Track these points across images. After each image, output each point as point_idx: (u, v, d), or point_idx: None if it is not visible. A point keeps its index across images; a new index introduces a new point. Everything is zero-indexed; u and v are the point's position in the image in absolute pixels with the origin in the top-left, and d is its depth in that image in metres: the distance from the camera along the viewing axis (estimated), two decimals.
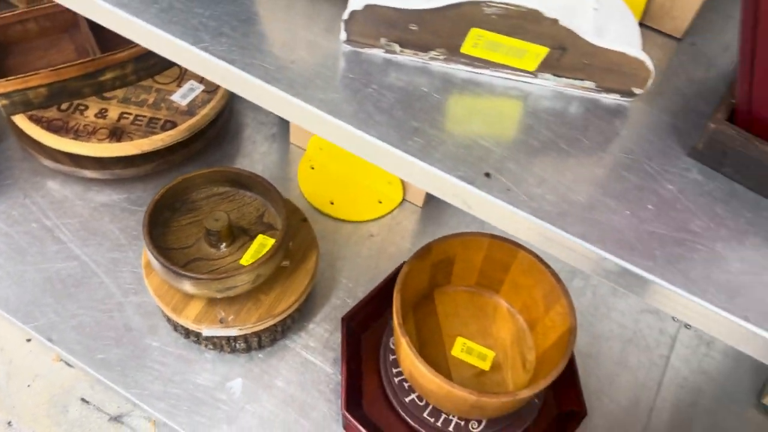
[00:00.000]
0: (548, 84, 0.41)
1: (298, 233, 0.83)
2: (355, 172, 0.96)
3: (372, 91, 0.39)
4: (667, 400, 0.82)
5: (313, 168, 0.98)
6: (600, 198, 0.37)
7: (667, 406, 0.81)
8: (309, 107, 0.38)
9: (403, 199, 0.97)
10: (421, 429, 0.73)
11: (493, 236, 0.75)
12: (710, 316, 0.34)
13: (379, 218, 0.95)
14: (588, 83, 0.40)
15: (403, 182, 0.95)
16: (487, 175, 0.36)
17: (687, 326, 0.89)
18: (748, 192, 0.37)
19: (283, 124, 1.02)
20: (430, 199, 0.97)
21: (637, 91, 0.40)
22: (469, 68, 0.41)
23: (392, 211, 0.96)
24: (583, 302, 0.90)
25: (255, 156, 0.99)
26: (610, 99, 0.41)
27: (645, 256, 0.35)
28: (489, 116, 0.39)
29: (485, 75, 0.41)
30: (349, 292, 0.87)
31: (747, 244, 0.36)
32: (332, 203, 0.95)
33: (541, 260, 0.74)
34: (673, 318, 0.89)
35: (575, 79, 0.40)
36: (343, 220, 0.94)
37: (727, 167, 0.37)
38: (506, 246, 0.75)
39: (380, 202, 0.96)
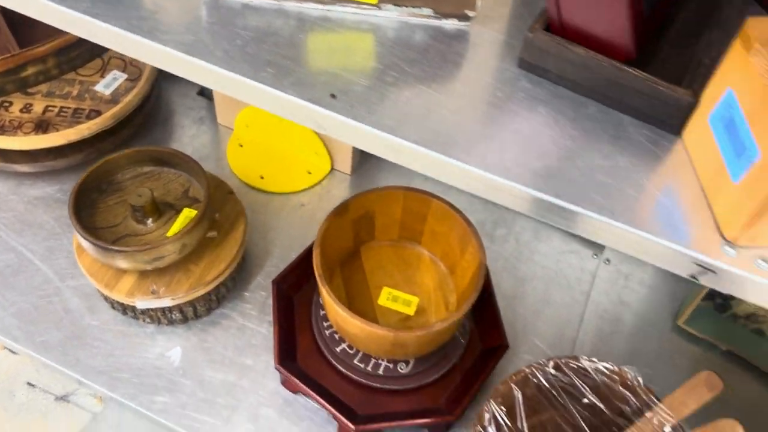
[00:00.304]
0: (392, 15, 0.44)
1: (225, 205, 0.86)
2: (283, 146, 1.00)
3: (229, 32, 0.43)
4: (589, 332, 0.86)
5: (241, 146, 1.01)
6: (436, 109, 0.41)
7: (589, 337, 0.86)
8: (168, 50, 0.41)
9: (332, 169, 1.00)
10: (353, 375, 0.77)
11: (406, 188, 0.79)
12: (522, 196, 0.38)
13: (309, 188, 0.98)
14: (426, 10, 0.44)
15: (330, 152, 0.99)
16: (333, 96, 0.40)
17: (606, 261, 0.93)
18: (570, 92, 0.41)
19: (211, 108, 1.05)
20: (358, 167, 1.01)
21: (470, 13, 0.44)
22: (320, 5, 0.44)
23: (322, 180, 0.99)
24: (507, 249, 0.94)
25: (184, 139, 1.02)
26: (450, 24, 0.45)
27: (465, 151, 0.39)
28: (338, 47, 0.43)
29: (336, 11, 0.45)
30: (282, 259, 0.90)
31: (567, 136, 0.40)
32: (262, 177, 0.98)
33: (452, 206, 0.78)
34: (594, 255, 0.94)
35: (414, 7, 0.44)
36: (274, 193, 0.97)
37: (550, 73, 0.41)
38: (420, 196, 0.79)
39: (309, 173, 0.99)
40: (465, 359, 0.80)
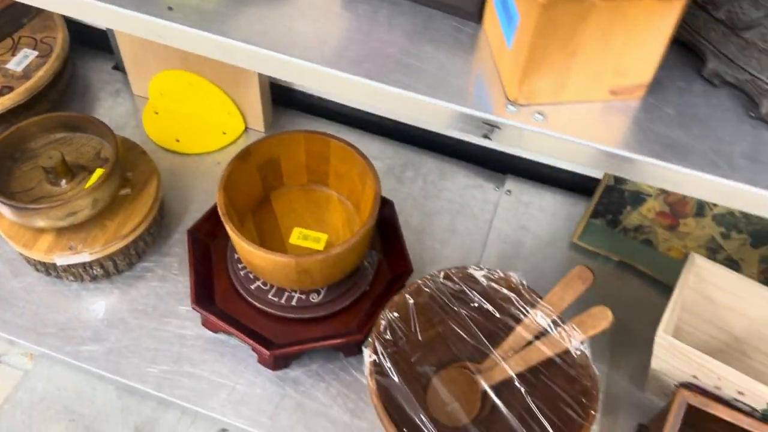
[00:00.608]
0: None
1: (138, 164, 0.90)
2: (196, 110, 1.04)
3: None
4: (492, 255, 0.93)
5: (156, 113, 1.05)
6: (266, 15, 0.46)
7: (492, 259, 0.92)
8: None
9: (247, 128, 1.05)
10: (268, 309, 0.82)
11: (306, 131, 0.84)
12: (339, 78, 0.43)
13: (225, 147, 1.03)
14: None
15: (242, 111, 1.03)
16: (170, 8, 0.45)
17: (507, 192, 1.00)
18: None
19: (127, 81, 1.08)
20: (273, 124, 1.05)
21: None
22: None
23: (237, 139, 1.04)
24: (416, 188, 1.00)
25: (101, 111, 1.05)
26: None
27: (288, 46, 0.44)
28: None
29: None
30: (200, 214, 0.94)
31: (382, 30, 0.46)
32: (178, 141, 1.02)
33: (350, 145, 0.83)
34: (495, 187, 1.00)
35: None
36: (191, 154, 1.02)
37: None
38: (319, 138, 0.84)
39: (224, 133, 1.03)
40: (374, 287, 0.85)
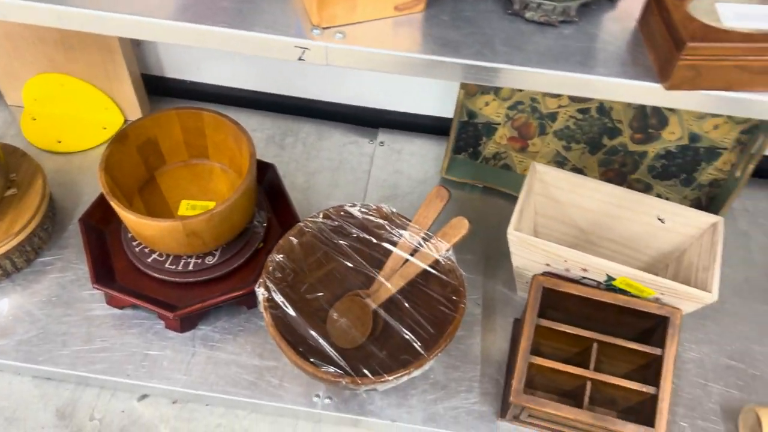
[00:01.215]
0: None
1: (21, 166, 0.93)
2: (73, 109, 1.07)
3: None
4: (373, 199, 1.02)
5: (34, 119, 1.07)
6: None
7: (373, 203, 1.01)
8: None
9: (126, 120, 1.09)
10: (168, 278, 0.87)
11: (177, 108, 0.90)
12: (169, 27, 0.50)
13: (108, 141, 1.06)
14: None
15: (118, 104, 1.07)
16: None
17: (381, 144, 1.09)
18: None
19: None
20: (150, 112, 1.10)
21: None
22: None
23: None
24: (297, 152, 1.07)
25: None
26: None
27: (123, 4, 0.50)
28: None
29: None
30: None
31: None
32: (60, 142, 1.05)
33: (221, 114, 0.89)
34: (370, 141, 1.09)
35: None
36: (75, 152, 1.05)
37: None
38: (191, 112, 0.90)
39: (105, 128, 1.07)
40: (267, 243, 0.92)
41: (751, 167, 0.88)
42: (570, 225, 0.91)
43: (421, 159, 1.07)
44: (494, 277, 0.94)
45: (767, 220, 1.02)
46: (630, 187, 0.94)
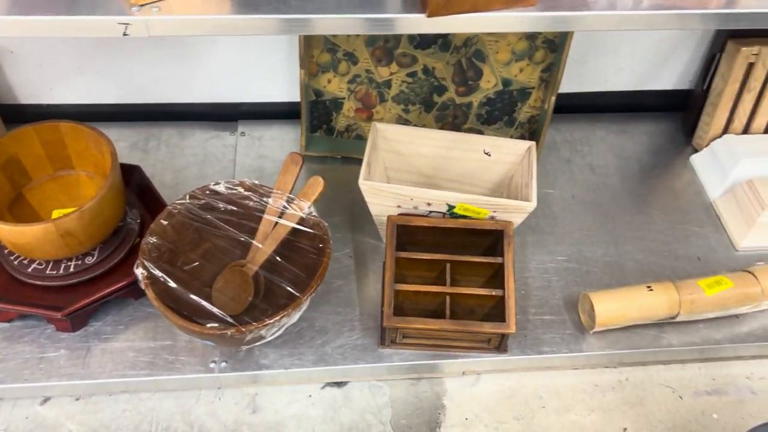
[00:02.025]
0: None
1: None
2: None
3: None
4: None
5: None
6: None
7: None
8: None
9: None
10: (50, 283, 0.90)
11: (34, 124, 0.94)
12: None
13: None
14: None
15: None
16: None
17: (242, 134, 1.17)
18: None
19: None
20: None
21: None
22: None
23: None
24: (161, 154, 1.13)
25: None
26: None
27: None
28: None
29: None
30: None
31: None
32: None
33: (77, 122, 0.94)
34: (231, 133, 1.17)
35: None
36: None
37: None
38: (48, 125, 0.94)
39: None
40: (143, 238, 0.98)
41: (553, 99, 1.04)
42: (416, 173, 1.03)
43: (281, 142, 1.16)
44: (361, 231, 1.05)
45: (583, 147, 1.19)
46: None
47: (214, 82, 1.15)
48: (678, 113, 1.24)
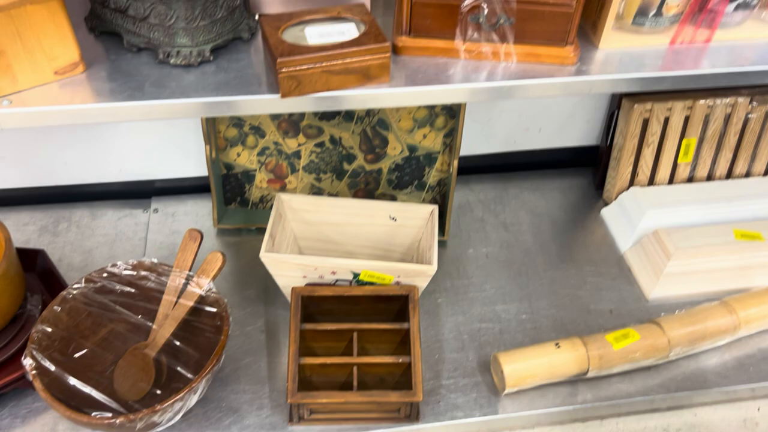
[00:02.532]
0: None
1: None
2: None
3: None
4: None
5: None
6: None
7: None
8: None
9: None
10: None
11: None
12: None
13: None
14: None
15: None
16: None
17: (155, 211, 1.16)
18: None
19: None
20: None
21: None
22: None
23: None
24: (71, 236, 1.11)
25: None
26: None
27: None
28: None
29: None
30: None
31: None
32: None
33: None
34: (144, 210, 1.16)
35: None
36: None
37: None
38: None
39: None
40: None
41: (455, 162, 1.06)
42: (327, 241, 1.03)
43: (195, 216, 1.16)
44: (274, 304, 1.03)
45: (497, 206, 1.21)
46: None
47: (126, 161, 1.15)
48: (590, 168, 1.28)
